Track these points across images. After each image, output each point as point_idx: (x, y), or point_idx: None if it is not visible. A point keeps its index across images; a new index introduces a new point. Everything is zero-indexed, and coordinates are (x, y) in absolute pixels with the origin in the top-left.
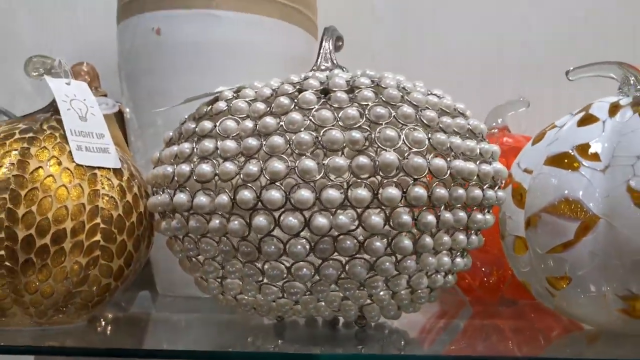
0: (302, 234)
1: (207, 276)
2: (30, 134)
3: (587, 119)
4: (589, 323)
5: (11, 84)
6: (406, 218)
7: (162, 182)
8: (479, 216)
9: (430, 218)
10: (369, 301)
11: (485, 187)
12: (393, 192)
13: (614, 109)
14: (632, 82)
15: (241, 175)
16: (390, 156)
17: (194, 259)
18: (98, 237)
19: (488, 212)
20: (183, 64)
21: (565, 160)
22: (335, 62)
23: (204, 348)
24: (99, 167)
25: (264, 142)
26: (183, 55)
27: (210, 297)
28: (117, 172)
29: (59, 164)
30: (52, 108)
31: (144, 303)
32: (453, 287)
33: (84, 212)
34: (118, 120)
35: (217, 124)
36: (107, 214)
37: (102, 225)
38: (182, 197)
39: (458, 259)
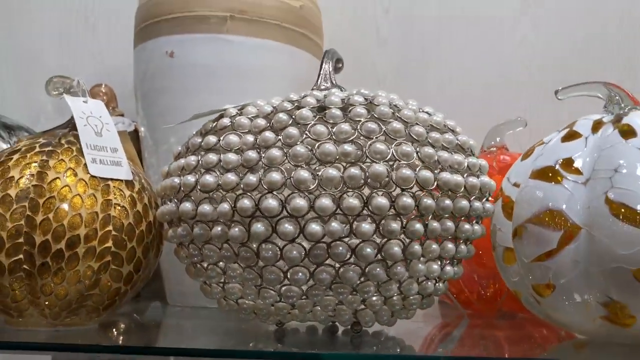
0: (298, 240)
1: (210, 281)
2: (49, 148)
3: (571, 135)
4: (575, 330)
5: (34, 104)
6: (395, 226)
7: (169, 193)
8: (467, 226)
9: (418, 226)
10: (362, 306)
11: (472, 198)
12: (382, 201)
13: (597, 125)
14: (616, 100)
15: (241, 185)
16: (379, 168)
17: (198, 265)
18: (109, 243)
19: (476, 222)
20: (195, 85)
21: (550, 174)
22: (334, 82)
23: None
24: (111, 179)
25: (263, 155)
26: (195, 77)
27: (217, 307)
28: (129, 183)
29: (75, 175)
30: (70, 124)
31: (155, 313)
32: (452, 300)
33: (97, 220)
34: (133, 138)
35: (221, 138)
36: (118, 222)
37: (113, 233)
38: (187, 205)
39: (448, 267)
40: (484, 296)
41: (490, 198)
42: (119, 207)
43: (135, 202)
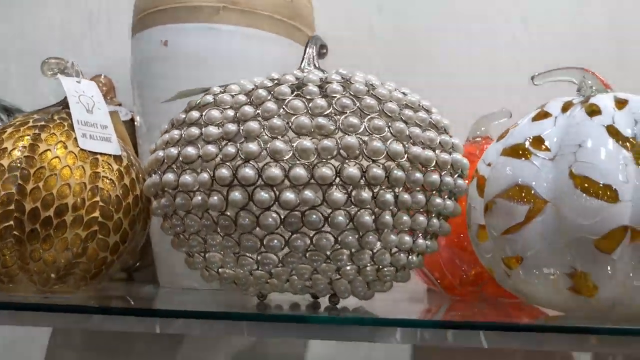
0: (273, 208)
1: (192, 251)
2: (42, 123)
3: (542, 115)
4: (544, 304)
5: (37, 96)
6: (365, 195)
7: (155, 166)
8: (438, 200)
9: (389, 197)
10: (337, 276)
11: (443, 173)
12: (353, 171)
13: (567, 106)
14: (589, 85)
15: (220, 156)
16: (351, 140)
17: (181, 236)
18: (97, 213)
19: (449, 198)
20: (187, 74)
21: (520, 151)
22: (317, 65)
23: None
24: (100, 153)
25: (242, 127)
26: (187, 66)
27: (206, 288)
28: (117, 158)
29: (65, 147)
30: (64, 103)
31: (146, 293)
32: (436, 285)
33: (85, 190)
34: (130, 127)
35: (204, 113)
36: (105, 194)
37: (100, 203)
38: (170, 176)
39: (420, 240)
40: (466, 280)
41: (464, 177)
42: (107, 180)
43: (123, 175)
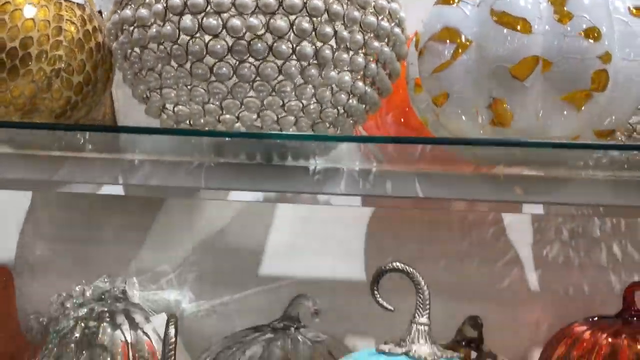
0: (221, 36)
1: (149, 87)
2: None
3: None
4: None
5: None
6: (306, 25)
7: (115, 8)
8: (376, 44)
9: (328, 30)
10: (283, 113)
11: (380, 18)
12: (295, 0)
13: None
14: None
15: None
16: None
17: (139, 75)
18: (61, 51)
19: (387, 45)
20: None
21: (450, 1)
22: None
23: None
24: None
25: None
26: None
27: None
28: (80, 6)
29: None
30: None
31: None
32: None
33: (49, 27)
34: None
35: None
36: (69, 35)
37: (64, 43)
38: (127, 12)
39: (359, 83)
40: None
41: (402, 29)
42: (70, 22)
43: (86, 22)
